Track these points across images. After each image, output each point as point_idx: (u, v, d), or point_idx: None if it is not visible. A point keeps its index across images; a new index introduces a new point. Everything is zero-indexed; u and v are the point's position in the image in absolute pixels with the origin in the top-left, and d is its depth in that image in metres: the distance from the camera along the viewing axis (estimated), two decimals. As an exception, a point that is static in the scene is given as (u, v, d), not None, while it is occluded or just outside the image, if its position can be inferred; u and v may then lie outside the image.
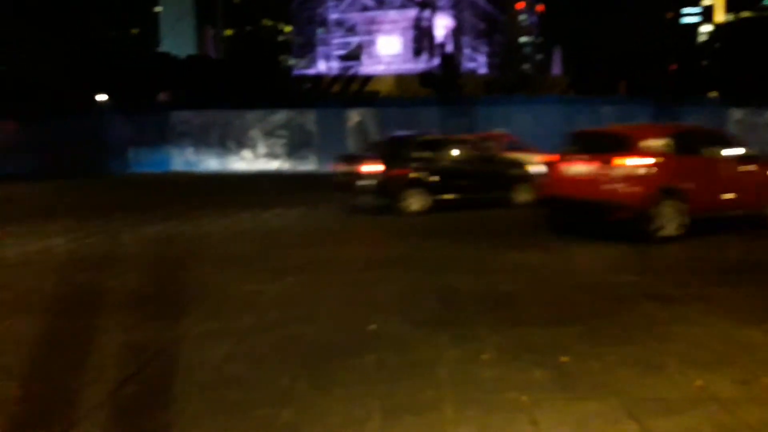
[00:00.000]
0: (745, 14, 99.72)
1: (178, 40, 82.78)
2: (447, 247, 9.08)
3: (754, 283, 6.70)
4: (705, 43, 67.93)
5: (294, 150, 27.20)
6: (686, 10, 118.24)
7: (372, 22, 48.21)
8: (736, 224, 9.62)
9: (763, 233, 9.57)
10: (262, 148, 27.54)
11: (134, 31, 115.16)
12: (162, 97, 36.74)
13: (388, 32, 47.89)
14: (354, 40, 49.05)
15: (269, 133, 27.46)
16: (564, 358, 4.38)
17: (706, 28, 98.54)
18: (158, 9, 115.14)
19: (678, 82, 41.79)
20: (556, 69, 50.33)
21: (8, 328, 5.36)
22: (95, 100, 38.48)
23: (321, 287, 6.68)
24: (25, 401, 3.87)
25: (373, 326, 5.17)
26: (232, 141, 27.82)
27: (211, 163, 27.92)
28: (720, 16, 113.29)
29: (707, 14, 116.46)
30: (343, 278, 7.07)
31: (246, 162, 27.58)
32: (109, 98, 38.36)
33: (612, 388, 3.89)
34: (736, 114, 26.38)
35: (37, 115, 30.96)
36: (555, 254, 8.37)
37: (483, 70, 52.50)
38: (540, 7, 63.62)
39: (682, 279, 6.89)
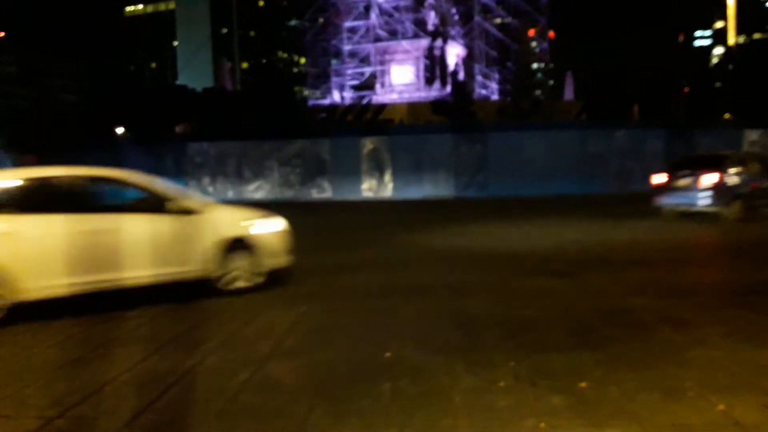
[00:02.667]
0: (757, 36, 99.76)
1: (195, 73, 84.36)
2: None
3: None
4: (718, 65, 67.95)
5: (308, 178, 27.43)
6: (698, 33, 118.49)
7: (385, 52, 48.92)
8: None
9: None
10: (276, 178, 27.80)
11: (152, 64, 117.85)
12: (179, 128, 37.31)
13: (401, 62, 48.55)
14: (367, 70, 49.74)
15: (284, 163, 27.74)
16: (582, 384, 4.31)
17: (718, 51, 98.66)
18: (175, 43, 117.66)
19: (691, 105, 41.72)
20: (569, 94, 50.51)
21: (29, 357, 5.33)
22: (114, 133, 39.24)
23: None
24: (42, 431, 3.84)
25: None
26: (247, 171, 28.13)
27: (228, 193, 28.24)
28: (732, 38, 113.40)
29: (719, 37, 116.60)
30: None
31: (262, 191, 27.85)
32: (127, 130, 39.10)
33: (632, 414, 3.80)
34: (752, 135, 26.24)
35: (58, 148, 31.60)
36: None
37: (495, 97, 52.88)
38: (551, 34, 64.28)
39: (698, 301, 6.80)
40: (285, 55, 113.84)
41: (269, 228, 8.01)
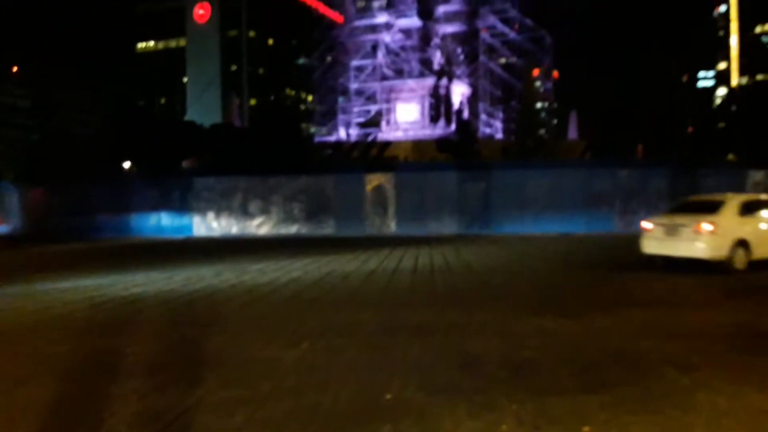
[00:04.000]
0: (760, 77, 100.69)
1: (204, 109, 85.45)
2: None
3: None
4: (721, 105, 68.44)
5: (312, 214, 27.51)
6: (702, 73, 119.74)
7: (391, 90, 49.66)
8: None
9: None
10: (281, 213, 27.91)
11: (162, 100, 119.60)
12: (186, 163, 37.66)
13: (407, 100, 49.21)
14: (373, 108, 50.43)
15: (289, 199, 27.86)
16: (586, 429, 4.23)
17: (722, 92, 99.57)
18: (185, 79, 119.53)
19: (695, 145, 41.88)
20: (572, 133, 50.80)
21: (25, 395, 5.31)
22: (122, 166, 39.67)
23: None
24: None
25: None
26: (252, 206, 28.26)
27: (233, 228, 28.33)
28: (735, 79, 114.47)
29: (723, 78, 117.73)
30: None
31: (266, 226, 27.95)
32: (135, 164, 39.50)
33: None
34: (756, 176, 26.16)
35: (66, 181, 31.88)
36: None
37: (499, 136, 53.32)
38: (555, 74, 65.24)
39: (705, 344, 6.62)
40: (293, 93, 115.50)
41: None
